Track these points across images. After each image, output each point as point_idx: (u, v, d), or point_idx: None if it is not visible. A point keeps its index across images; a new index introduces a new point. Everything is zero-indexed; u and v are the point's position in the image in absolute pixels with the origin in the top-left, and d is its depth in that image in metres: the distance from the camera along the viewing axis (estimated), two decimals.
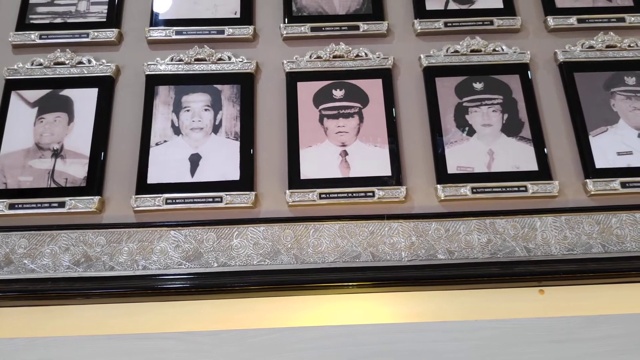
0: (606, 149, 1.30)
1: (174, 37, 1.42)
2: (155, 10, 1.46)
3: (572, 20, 1.45)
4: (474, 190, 1.25)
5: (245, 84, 1.37)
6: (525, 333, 1.13)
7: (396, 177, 1.27)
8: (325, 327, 1.13)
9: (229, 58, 1.39)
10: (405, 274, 1.18)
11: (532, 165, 1.28)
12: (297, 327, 1.13)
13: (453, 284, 1.19)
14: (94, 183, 1.26)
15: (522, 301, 1.18)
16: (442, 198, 1.25)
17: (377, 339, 1.13)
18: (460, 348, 1.11)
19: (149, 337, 1.11)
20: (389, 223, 1.23)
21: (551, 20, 1.45)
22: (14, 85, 1.37)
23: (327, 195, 1.25)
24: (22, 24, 1.45)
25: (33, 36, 1.42)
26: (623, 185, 1.26)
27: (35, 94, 1.36)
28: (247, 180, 1.26)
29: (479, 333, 1.13)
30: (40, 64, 1.39)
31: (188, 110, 1.33)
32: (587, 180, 1.26)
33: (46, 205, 1.24)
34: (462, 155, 1.29)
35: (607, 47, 1.41)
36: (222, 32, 1.43)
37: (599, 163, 1.28)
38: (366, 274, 1.19)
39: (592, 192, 1.25)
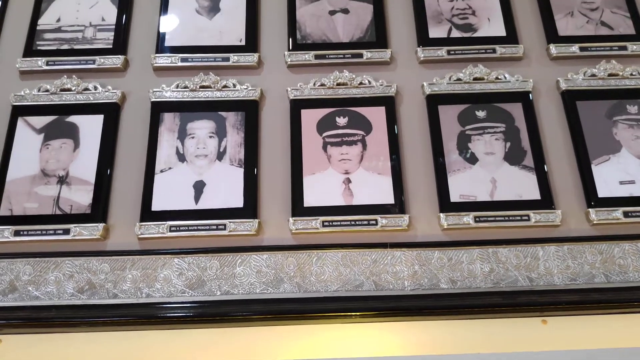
0: (608, 178, 1.30)
1: (180, 64, 1.44)
2: (161, 37, 1.48)
3: (575, 48, 1.46)
4: (477, 219, 1.25)
5: (250, 111, 1.38)
6: None
7: (399, 205, 1.27)
8: None
9: (234, 85, 1.41)
10: (408, 304, 1.19)
11: (535, 194, 1.28)
12: None
13: (456, 313, 1.19)
14: (99, 210, 1.27)
15: (524, 331, 1.18)
16: (445, 227, 1.25)
17: None
18: None
19: None
20: (392, 251, 1.23)
21: (553, 49, 1.46)
22: (20, 111, 1.38)
23: (330, 223, 1.25)
24: (30, 50, 1.47)
25: (40, 62, 1.44)
26: (626, 214, 1.26)
27: (41, 120, 1.38)
28: (250, 208, 1.27)
29: None
30: (47, 90, 1.41)
31: (193, 137, 1.34)
32: (590, 209, 1.27)
33: (51, 232, 1.25)
34: (464, 183, 1.30)
35: (609, 75, 1.42)
36: (227, 59, 1.44)
37: (602, 192, 1.29)
38: (369, 303, 1.19)
39: (595, 222, 1.26)
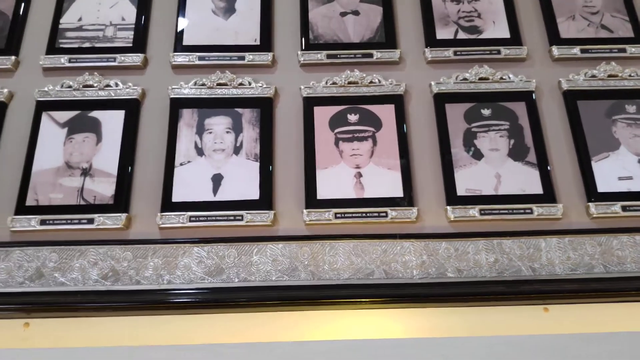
0: (608, 173, 1.36)
1: (197, 62, 1.50)
2: (178, 36, 1.54)
3: (576, 50, 1.52)
4: (482, 212, 1.32)
5: (265, 108, 1.44)
6: (529, 349, 1.19)
7: (408, 199, 1.33)
8: (338, 341, 1.19)
9: (249, 83, 1.47)
10: (416, 291, 1.25)
11: (537, 189, 1.34)
12: (318, 341, 1.19)
13: (462, 301, 1.25)
14: (121, 201, 1.33)
15: (527, 318, 1.24)
16: (452, 219, 1.32)
17: (389, 352, 1.19)
18: None
19: (175, 349, 1.17)
20: (401, 242, 1.29)
21: (556, 50, 1.52)
22: (44, 106, 1.44)
23: (343, 215, 1.31)
24: (52, 48, 1.52)
25: (63, 60, 1.50)
26: (624, 208, 1.32)
27: (64, 115, 1.43)
28: (266, 200, 1.33)
29: (487, 349, 1.19)
30: (70, 87, 1.47)
31: (210, 133, 1.40)
32: (590, 203, 1.33)
33: (76, 221, 1.31)
34: (470, 178, 1.36)
35: (609, 76, 1.49)
36: (243, 58, 1.50)
37: (601, 187, 1.35)
38: (379, 290, 1.25)
39: (595, 215, 1.32)
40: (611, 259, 1.28)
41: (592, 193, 1.34)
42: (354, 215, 1.32)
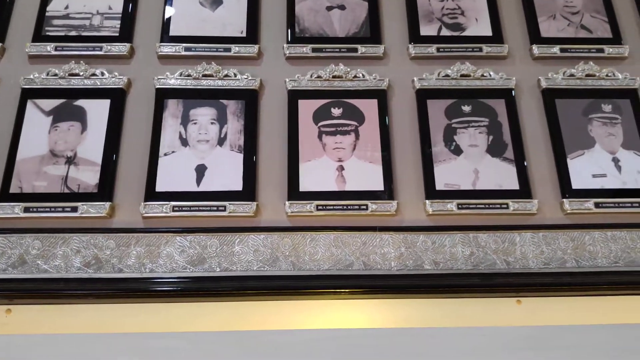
0: (582, 171, 1.40)
1: (183, 53, 1.51)
2: (165, 27, 1.54)
3: (555, 49, 1.56)
4: (460, 206, 1.35)
5: (250, 99, 1.46)
6: (502, 340, 1.23)
7: (388, 192, 1.36)
8: (317, 330, 1.22)
9: (235, 75, 1.48)
10: (394, 283, 1.28)
11: (514, 185, 1.38)
12: (298, 330, 1.22)
13: (438, 292, 1.28)
14: (105, 189, 1.34)
15: (500, 310, 1.28)
16: (430, 213, 1.35)
17: (366, 341, 1.22)
18: (442, 353, 1.21)
19: (156, 337, 1.19)
20: (381, 235, 1.32)
21: (536, 49, 1.55)
22: (30, 94, 1.45)
23: (324, 207, 1.34)
24: (39, 36, 1.53)
25: (49, 47, 1.50)
26: (597, 205, 1.36)
27: (50, 103, 1.44)
28: (249, 191, 1.35)
29: (461, 339, 1.23)
30: (55, 75, 1.47)
31: (195, 123, 1.42)
32: (564, 199, 1.37)
33: (59, 209, 1.32)
34: (449, 173, 1.39)
35: (587, 75, 1.52)
36: (229, 49, 1.52)
37: (576, 184, 1.39)
38: (358, 281, 1.28)
39: (568, 211, 1.36)
40: (583, 254, 1.31)
41: (566, 189, 1.38)
42: (335, 207, 1.34)
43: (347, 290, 1.27)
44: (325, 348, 1.21)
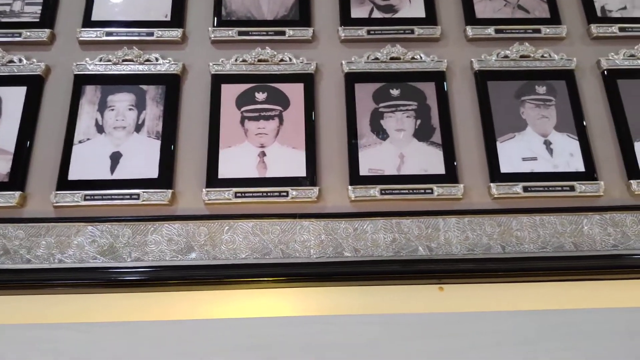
0: (512, 154, 1.36)
1: (105, 38, 1.46)
2: (87, 11, 1.50)
3: (490, 30, 1.51)
4: (383, 191, 1.31)
5: (171, 85, 1.41)
6: (423, 326, 1.19)
7: (310, 178, 1.32)
8: (224, 320, 1.18)
9: (156, 59, 1.44)
10: (312, 270, 1.24)
11: (440, 169, 1.34)
12: (211, 319, 1.18)
13: (357, 280, 1.25)
14: (17, 179, 1.30)
15: (422, 297, 1.24)
16: (353, 199, 1.31)
17: (283, 330, 1.18)
18: (359, 341, 1.17)
19: (68, 327, 1.15)
20: (301, 222, 1.28)
21: (470, 30, 1.51)
22: None
23: (243, 195, 1.30)
24: None
25: None
26: (525, 189, 1.32)
27: None
28: (165, 179, 1.31)
29: (381, 327, 1.19)
30: None
31: (112, 110, 1.38)
32: (491, 184, 1.33)
33: None
34: (374, 158, 1.35)
35: (521, 57, 1.48)
36: (152, 34, 1.47)
37: (504, 168, 1.35)
38: (276, 270, 1.24)
39: (496, 196, 1.32)
40: (510, 240, 1.28)
41: (495, 174, 1.34)
42: (254, 194, 1.30)
43: (264, 279, 1.24)
44: (241, 337, 1.17)
